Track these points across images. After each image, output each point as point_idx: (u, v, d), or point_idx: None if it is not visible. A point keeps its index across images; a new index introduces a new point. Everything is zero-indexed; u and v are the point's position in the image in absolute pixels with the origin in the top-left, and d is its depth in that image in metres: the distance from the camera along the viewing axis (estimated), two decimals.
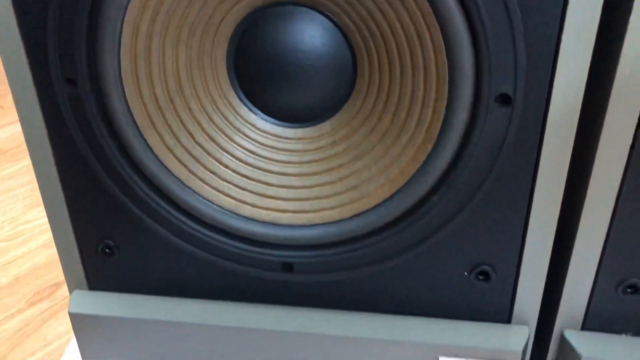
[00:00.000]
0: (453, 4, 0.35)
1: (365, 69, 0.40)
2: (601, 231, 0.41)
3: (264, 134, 0.44)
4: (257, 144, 0.44)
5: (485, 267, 0.43)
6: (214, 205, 0.45)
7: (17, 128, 1.13)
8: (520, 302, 0.44)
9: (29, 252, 0.78)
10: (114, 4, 0.37)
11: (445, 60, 0.37)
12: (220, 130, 0.44)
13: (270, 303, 0.48)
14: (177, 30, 0.40)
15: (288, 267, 0.46)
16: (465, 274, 0.44)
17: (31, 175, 0.97)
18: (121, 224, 0.46)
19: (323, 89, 0.41)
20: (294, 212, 0.44)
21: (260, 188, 0.44)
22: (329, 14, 0.39)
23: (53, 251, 0.78)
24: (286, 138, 0.44)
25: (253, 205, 0.45)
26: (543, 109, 0.37)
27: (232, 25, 0.41)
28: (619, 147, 0.38)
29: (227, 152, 0.44)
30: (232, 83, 0.43)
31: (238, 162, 0.44)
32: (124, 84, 0.41)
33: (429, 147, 0.40)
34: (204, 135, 0.44)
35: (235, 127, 0.44)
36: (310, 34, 0.40)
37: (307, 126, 0.43)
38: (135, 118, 0.42)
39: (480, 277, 0.44)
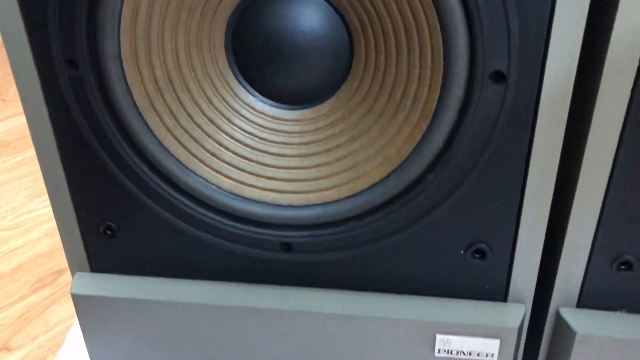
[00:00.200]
0: None
1: (361, 49, 0.41)
2: (595, 208, 0.41)
3: (263, 116, 0.45)
4: (256, 126, 0.45)
5: (481, 246, 0.44)
6: (213, 186, 0.45)
7: (19, 121, 1.14)
8: (516, 280, 0.45)
9: (31, 241, 0.79)
10: None
11: (440, 39, 0.37)
12: (219, 112, 0.44)
13: (270, 283, 0.48)
14: (176, 11, 0.41)
15: (287, 247, 0.46)
16: (462, 252, 0.44)
17: (33, 167, 0.98)
18: (122, 206, 0.47)
19: (320, 70, 0.42)
20: (293, 192, 0.45)
21: (259, 169, 0.45)
22: None
23: (55, 240, 0.79)
24: (284, 120, 0.44)
25: (252, 186, 0.45)
26: (537, 85, 0.37)
27: (230, 7, 0.41)
28: (611, 123, 0.38)
29: (226, 133, 0.45)
30: (230, 65, 0.43)
31: (237, 143, 0.45)
32: (124, 64, 0.41)
33: (425, 125, 0.40)
34: (203, 116, 0.44)
35: (233, 109, 0.44)
36: (307, 16, 0.40)
37: (305, 108, 0.44)
38: (135, 99, 0.42)
39: (477, 256, 0.44)
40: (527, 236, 0.43)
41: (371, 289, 0.47)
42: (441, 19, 0.36)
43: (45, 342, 0.63)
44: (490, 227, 0.43)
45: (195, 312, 0.48)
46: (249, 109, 0.44)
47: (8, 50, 0.42)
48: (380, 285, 0.47)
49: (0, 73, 1.35)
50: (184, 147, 0.44)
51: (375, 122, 0.42)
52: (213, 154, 0.45)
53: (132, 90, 0.42)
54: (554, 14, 0.35)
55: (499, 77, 0.37)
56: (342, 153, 0.44)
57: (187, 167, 0.45)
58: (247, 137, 0.45)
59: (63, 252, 0.77)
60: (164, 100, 0.43)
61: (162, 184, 0.45)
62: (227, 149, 0.45)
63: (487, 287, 0.45)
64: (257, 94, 0.44)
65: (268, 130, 0.45)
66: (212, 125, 0.44)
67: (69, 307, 0.67)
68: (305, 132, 0.44)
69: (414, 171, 0.41)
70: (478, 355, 0.45)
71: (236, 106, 0.44)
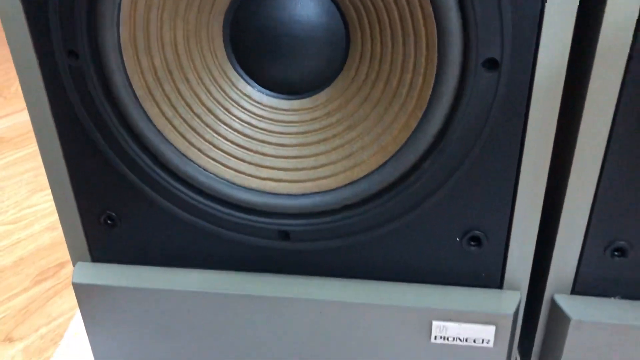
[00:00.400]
0: None
1: (357, 39, 0.41)
2: (588, 195, 0.42)
3: (261, 106, 0.45)
4: (254, 116, 0.45)
5: (477, 233, 0.44)
6: (212, 176, 0.46)
7: (20, 117, 1.14)
8: (511, 267, 0.45)
9: (33, 235, 0.79)
10: None
11: (435, 28, 0.38)
12: (218, 102, 0.45)
13: (268, 271, 0.49)
14: (175, 3, 0.41)
15: (285, 235, 0.47)
16: (457, 239, 0.45)
17: (34, 162, 0.98)
18: (122, 195, 0.47)
19: (317, 60, 0.42)
20: (291, 181, 0.46)
21: (257, 158, 0.46)
22: None
23: (56, 233, 0.80)
24: (282, 109, 0.45)
25: (251, 175, 0.46)
26: (530, 72, 0.38)
27: None
28: (604, 110, 0.39)
29: (224, 123, 0.45)
30: (228, 55, 0.44)
31: (235, 133, 0.45)
32: (124, 55, 0.42)
33: (420, 113, 0.41)
34: (202, 106, 0.45)
35: (232, 99, 0.45)
36: (304, 6, 0.41)
37: (302, 97, 0.44)
38: (135, 89, 0.43)
39: (472, 243, 0.45)
40: (522, 223, 0.43)
41: (368, 276, 0.48)
42: (435, 7, 0.37)
43: (47, 333, 0.64)
44: (485, 214, 0.43)
45: (195, 300, 0.49)
46: (247, 99, 0.45)
47: (10, 42, 0.43)
48: (377, 272, 0.47)
49: (1, 71, 1.36)
50: (183, 136, 0.45)
51: (372, 111, 0.43)
52: (212, 144, 0.45)
53: (131, 80, 0.42)
54: (545, 2, 0.36)
55: (492, 64, 0.38)
56: (339, 142, 0.44)
57: (186, 157, 0.45)
58: (246, 126, 0.45)
59: (64, 245, 0.78)
60: (163, 90, 0.44)
61: (162, 174, 0.46)
62: (225, 138, 0.45)
63: (483, 274, 0.46)
64: (255, 84, 0.45)
65: (266, 120, 0.45)
66: (211, 115, 0.45)
67: (71, 299, 0.68)
68: (302, 121, 0.45)
69: (410, 159, 0.42)
70: (474, 341, 0.46)
71: (234, 96, 0.45)
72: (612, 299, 0.45)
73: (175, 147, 0.45)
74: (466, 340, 0.46)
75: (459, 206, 0.43)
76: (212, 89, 0.45)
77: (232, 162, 0.46)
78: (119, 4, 0.40)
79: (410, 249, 0.46)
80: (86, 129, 0.45)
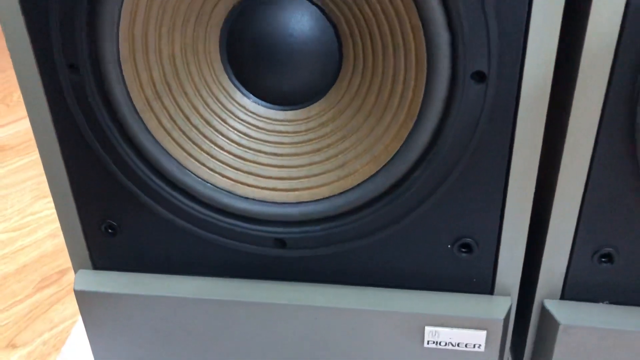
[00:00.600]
0: None
1: (350, 52, 0.43)
2: (575, 203, 0.43)
3: (256, 117, 0.46)
4: (250, 126, 0.46)
5: (468, 240, 0.45)
6: (210, 185, 0.47)
7: (23, 125, 1.16)
8: (502, 273, 0.46)
9: (36, 242, 0.81)
10: None
11: (424, 41, 0.39)
12: (215, 113, 0.46)
13: (265, 278, 0.50)
14: (172, 17, 0.42)
15: (281, 242, 0.48)
16: (449, 246, 0.46)
17: (37, 170, 1.00)
18: (123, 205, 0.49)
19: (311, 72, 0.43)
20: (286, 190, 0.47)
21: (253, 168, 0.47)
22: (315, 1, 0.42)
23: (58, 240, 0.81)
24: (277, 120, 0.46)
25: (247, 185, 0.47)
26: (516, 84, 0.39)
27: (223, 12, 0.43)
28: (589, 120, 0.40)
29: (221, 134, 0.46)
30: (225, 68, 0.45)
31: (232, 143, 0.46)
32: (123, 69, 0.43)
33: (411, 124, 0.42)
34: (200, 118, 0.46)
35: (228, 110, 0.46)
36: (298, 20, 0.42)
37: (297, 108, 0.45)
38: (134, 102, 0.44)
39: (463, 250, 0.46)
40: (511, 230, 0.44)
41: (362, 282, 0.49)
42: (424, 22, 0.38)
43: (49, 338, 0.65)
44: (475, 222, 0.44)
45: (193, 307, 0.50)
46: (243, 110, 0.46)
47: (12, 56, 0.44)
48: (371, 279, 0.48)
49: (3, 79, 1.37)
50: (181, 147, 0.46)
51: (364, 122, 0.44)
52: (209, 154, 0.46)
53: (131, 93, 0.44)
54: (530, 16, 0.37)
55: (480, 77, 0.39)
56: (333, 152, 0.45)
57: (184, 167, 0.46)
58: (242, 137, 0.46)
59: (66, 252, 0.79)
60: (162, 102, 0.45)
61: (161, 183, 0.47)
62: (222, 148, 0.47)
63: (474, 280, 0.47)
64: (251, 95, 0.46)
65: (262, 131, 0.46)
66: (208, 126, 0.46)
67: (73, 305, 0.69)
68: (297, 132, 0.46)
69: (402, 168, 0.43)
70: (466, 346, 0.47)
71: (231, 108, 0.46)
72: (601, 304, 0.46)
73: (173, 158, 0.46)
74: (458, 345, 0.47)
75: (449, 214, 0.44)
76: (210, 100, 0.46)
77: (229, 172, 0.47)
78: (118, 19, 0.41)
79: (403, 256, 0.47)
80: (87, 140, 0.46)
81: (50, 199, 0.91)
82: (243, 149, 0.47)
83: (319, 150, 0.46)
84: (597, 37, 0.37)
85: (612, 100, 0.39)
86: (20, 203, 0.90)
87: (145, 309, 0.51)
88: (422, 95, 0.41)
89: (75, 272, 0.53)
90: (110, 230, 0.50)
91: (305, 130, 0.46)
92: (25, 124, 1.16)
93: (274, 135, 0.46)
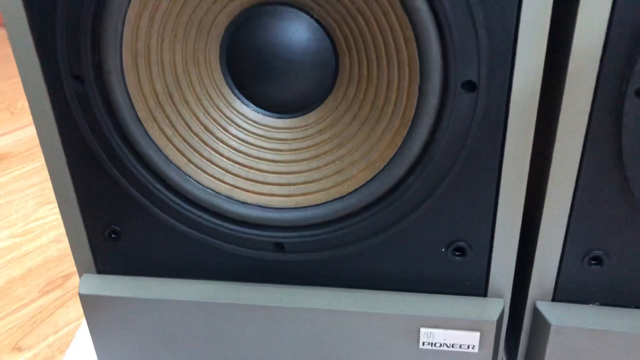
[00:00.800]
0: (421, 2, 0.38)
1: (346, 62, 0.44)
2: (565, 207, 0.44)
3: (256, 124, 0.48)
4: (250, 134, 0.48)
5: (461, 244, 0.47)
6: (210, 191, 0.48)
7: (27, 132, 1.17)
8: (495, 276, 0.47)
9: (40, 247, 0.82)
10: (115, 7, 0.41)
11: (416, 52, 0.40)
12: (215, 121, 0.47)
13: (264, 281, 0.51)
14: (174, 29, 0.44)
15: (280, 247, 0.49)
16: (443, 250, 0.47)
17: (41, 176, 1.01)
18: (126, 210, 0.50)
19: (308, 81, 0.45)
20: (284, 196, 0.48)
21: (252, 174, 0.48)
22: (312, 13, 0.43)
23: (63, 245, 0.82)
24: (276, 128, 0.47)
25: (246, 191, 0.48)
26: (506, 92, 0.40)
27: (223, 24, 0.44)
28: (576, 126, 0.41)
29: (221, 141, 0.48)
30: (225, 78, 0.47)
31: (232, 150, 0.48)
32: (126, 80, 0.44)
33: (405, 131, 0.43)
34: (201, 126, 0.47)
35: (229, 118, 0.47)
36: (295, 32, 0.43)
37: (295, 116, 0.47)
38: (137, 111, 0.45)
39: (457, 253, 0.47)
40: (503, 234, 0.46)
41: (359, 285, 0.50)
42: (416, 33, 0.39)
43: (54, 342, 0.66)
44: (468, 226, 0.46)
45: (195, 310, 0.51)
46: (243, 118, 0.48)
47: (20, 67, 0.45)
48: (367, 282, 0.50)
49: (8, 87, 1.39)
50: (183, 154, 0.47)
51: (360, 129, 0.45)
52: (210, 161, 0.48)
53: (134, 103, 0.45)
54: (519, 26, 0.38)
55: (470, 86, 0.40)
56: (330, 158, 0.47)
57: (185, 173, 0.48)
58: (241, 144, 0.48)
59: (71, 257, 0.80)
60: (164, 111, 0.46)
61: (163, 190, 0.48)
62: (222, 155, 0.48)
63: (468, 282, 0.48)
64: (250, 104, 0.47)
65: (261, 138, 0.48)
66: (209, 134, 0.47)
67: (77, 309, 0.71)
68: (295, 139, 0.47)
69: (396, 174, 0.44)
70: (460, 347, 0.48)
71: (231, 116, 0.47)
72: (591, 305, 0.47)
73: (175, 165, 0.47)
74: (452, 346, 0.48)
75: (443, 218, 0.46)
76: (210, 109, 0.47)
77: (229, 178, 0.48)
78: (122, 32, 0.43)
79: (398, 260, 0.48)
80: (91, 148, 0.47)
81: (54, 205, 0.92)
82: (243, 156, 0.48)
83: (316, 156, 0.47)
84: (583, 47, 0.38)
85: (599, 107, 0.40)
86: (25, 209, 0.91)
87: (148, 312, 0.52)
88: (415, 104, 0.42)
89: (80, 276, 0.54)
90: (114, 236, 0.51)
91: (303, 138, 0.47)
92: (29, 132, 1.17)
93: (273, 142, 0.48)
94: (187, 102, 0.46)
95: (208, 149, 0.48)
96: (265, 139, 0.48)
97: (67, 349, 0.64)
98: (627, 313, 0.47)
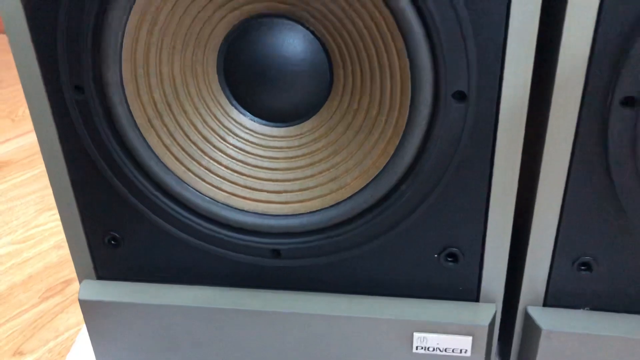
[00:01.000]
0: (412, 16, 0.39)
1: (340, 73, 0.45)
2: (554, 214, 0.45)
3: (253, 133, 0.48)
4: (247, 142, 0.49)
5: (453, 250, 0.47)
6: (208, 199, 0.49)
7: (28, 139, 1.18)
8: (487, 281, 0.48)
9: (41, 253, 0.83)
10: (115, 19, 0.42)
11: (408, 64, 0.41)
12: (213, 130, 0.48)
13: (262, 287, 0.52)
14: (172, 41, 0.45)
15: (276, 253, 0.50)
16: (435, 256, 0.48)
17: (42, 183, 1.02)
18: (125, 217, 0.51)
19: (304, 91, 0.46)
20: (281, 203, 0.49)
21: (249, 182, 0.49)
22: (307, 25, 0.44)
23: (63, 252, 0.83)
24: (272, 136, 0.48)
25: (244, 198, 0.49)
26: (495, 102, 0.41)
27: (220, 36, 0.45)
28: (565, 135, 0.42)
29: (219, 150, 0.49)
30: (222, 88, 0.47)
31: (229, 158, 0.49)
32: (126, 90, 0.45)
33: (397, 140, 0.44)
34: (198, 135, 0.48)
35: (226, 127, 0.48)
36: (291, 43, 0.44)
37: (291, 125, 0.48)
38: (136, 120, 0.46)
39: (449, 259, 0.48)
40: (495, 241, 0.47)
41: (354, 291, 0.51)
42: (407, 45, 0.40)
43: (55, 346, 0.67)
44: (460, 232, 0.47)
45: (193, 315, 0.52)
46: (240, 127, 0.48)
47: (22, 78, 0.46)
48: (362, 287, 0.50)
49: (9, 94, 1.40)
50: (181, 163, 0.48)
51: (354, 138, 0.46)
52: (207, 169, 0.49)
53: (133, 112, 0.46)
54: (507, 38, 0.40)
55: (460, 96, 0.41)
56: (325, 166, 0.48)
57: (183, 181, 0.48)
58: (239, 152, 0.49)
59: (71, 263, 0.81)
60: (162, 120, 0.47)
61: (161, 197, 0.49)
62: (220, 163, 0.49)
63: (460, 288, 0.49)
64: (247, 113, 0.48)
65: (258, 146, 0.49)
66: (207, 143, 0.48)
67: (77, 314, 0.71)
68: (291, 147, 0.48)
69: (389, 181, 0.45)
70: (453, 351, 0.49)
71: (228, 124, 0.48)
72: (582, 310, 0.48)
73: (173, 173, 0.48)
74: (445, 350, 0.49)
75: (435, 225, 0.47)
76: (208, 118, 0.48)
77: (227, 186, 0.49)
78: (121, 44, 0.44)
79: (392, 265, 0.49)
80: (91, 157, 0.48)
81: (55, 211, 0.93)
82: (240, 164, 0.49)
83: (311, 164, 0.48)
84: (569, 58, 0.39)
85: (586, 116, 0.41)
86: (26, 216, 0.92)
87: (147, 317, 0.53)
88: (407, 113, 0.43)
89: (80, 282, 0.55)
90: (113, 242, 0.52)
91: (299, 146, 0.48)
92: (30, 139, 1.18)
93: (270, 150, 0.49)
94: (185, 112, 0.47)
95: (206, 157, 0.48)
96: (262, 148, 0.49)
97: (67, 354, 0.65)
98: (616, 317, 0.48)
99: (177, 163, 0.48)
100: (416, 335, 0.49)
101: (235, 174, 0.49)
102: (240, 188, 0.49)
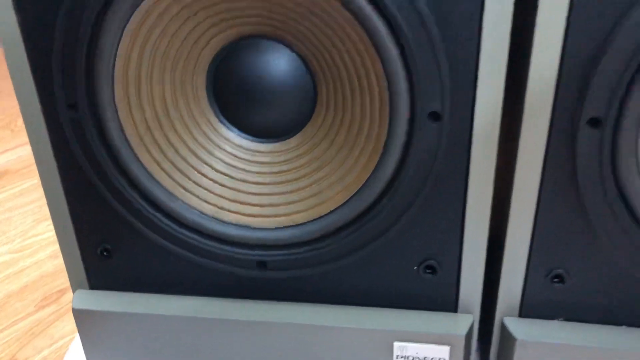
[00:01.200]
0: (389, 42, 0.41)
1: (323, 92, 0.47)
2: (527, 228, 0.47)
3: (240, 149, 0.50)
4: (234, 158, 0.50)
5: (432, 262, 0.49)
6: (196, 212, 0.51)
7: (26, 150, 1.20)
8: (464, 292, 0.50)
9: (37, 262, 0.85)
10: (107, 41, 0.44)
11: (386, 85, 0.43)
12: (202, 146, 0.50)
13: (248, 297, 0.54)
14: (162, 62, 0.47)
15: (262, 265, 0.52)
16: (415, 268, 0.50)
17: (39, 193, 1.04)
18: (117, 230, 0.52)
19: (289, 109, 0.48)
20: (267, 216, 0.50)
21: (236, 196, 0.50)
22: (292, 46, 0.46)
23: (59, 261, 0.85)
24: (259, 152, 0.50)
25: (231, 211, 0.51)
26: (469, 122, 0.43)
27: (209, 57, 0.47)
28: (535, 153, 0.44)
29: (207, 164, 0.50)
30: (211, 105, 0.49)
31: (217, 173, 0.50)
32: (118, 108, 0.47)
33: (377, 157, 0.46)
34: (188, 150, 0.50)
35: (214, 143, 0.50)
36: (277, 63, 0.46)
37: (277, 141, 0.49)
38: (128, 137, 0.48)
39: (428, 271, 0.50)
40: (471, 253, 0.48)
41: (337, 301, 0.52)
42: (385, 68, 0.42)
43: (49, 354, 0.68)
44: (438, 245, 0.48)
45: (182, 324, 0.54)
46: (228, 143, 0.50)
47: (18, 97, 0.48)
48: (344, 298, 0.52)
49: (8, 105, 1.42)
50: (171, 177, 0.50)
51: (337, 154, 0.48)
52: (196, 183, 0.50)
53: (125, 129, 0.48)
54: (479, 61, 0.42)
55: (435, 116, 0.43)
56: (309, 181, 0.49)
57: (173, 195, 0.50)
58: (226, 167, 0.51)
59: (66, 273, 0.83)
60: (153, 137, 0.49)
61: (152, 210, 0.50)
62: (208, 178, 0.50)
63: (439, 299, 0.51)
64: (235, 129, 0.50)
65: (245, 162, 0.50)
66: (196, 158, 0.50)
67: (72, 323, 0.73)
68: (276, 162, 0.50)
69: (370, 196, 0.47)
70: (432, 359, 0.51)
71: (217, 140, 0.50)
72: (556, 321, 0.50)
73: (163, 187, 0.50)
74: (425, 359, 0.51)
75: (414, 238, 0.48)
76: (197, 134, 0.50)
77: (214, 199, 0.51)
78: (114, 64, 0.46)
79: (373, 277, 0.51)
80: (85, 172, 0.50)
81: (51, 221, 0.95)
82: (227, 178, 0.51)
83: (296, 179, 0.50)
84: (538, 80, 0.41)
85: (555, 136, 0.43)
86: (23, 225, 0.94)
87: (139, 326, 0.55)
88: (386, 132, 0.45)
89: (74, 291, 0.56)
90: (105, 254, 0.54)
91: (284, 161, 0.50)
92: (28, 149, 1.20)
93: (256, 165, 0.50)
94: (175, 129, 0.49)
95: (195, 171, 0.50)
96: (249, 163, 0.50)
97: None
98: (589, 328, 0.49)
99: (167, 177, 0.50)
100: (396, 344, 0.51)
101: (223, 188, 0.50)
102: (228, 202, 0.51)
